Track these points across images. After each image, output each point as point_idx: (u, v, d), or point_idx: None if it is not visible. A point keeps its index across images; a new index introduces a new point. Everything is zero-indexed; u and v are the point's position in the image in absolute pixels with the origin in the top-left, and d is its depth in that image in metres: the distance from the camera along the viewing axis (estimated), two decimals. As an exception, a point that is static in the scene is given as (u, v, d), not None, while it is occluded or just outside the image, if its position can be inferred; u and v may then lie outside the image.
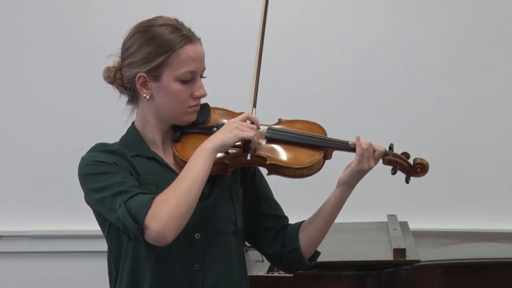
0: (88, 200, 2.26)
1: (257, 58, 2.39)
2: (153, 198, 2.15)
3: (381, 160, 2.34)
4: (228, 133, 2.22)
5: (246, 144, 2.25)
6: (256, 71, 2.38)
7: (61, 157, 4.54)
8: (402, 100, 4.52)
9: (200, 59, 2.29)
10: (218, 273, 2.29)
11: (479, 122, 4.51)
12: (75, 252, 4.60)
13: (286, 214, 2.46)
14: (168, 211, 2.12)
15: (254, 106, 2.35)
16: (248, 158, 2.24)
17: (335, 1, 4.53)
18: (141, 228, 2.12)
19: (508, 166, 4.52)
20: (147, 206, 2.13)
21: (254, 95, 2.36)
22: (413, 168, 2.35)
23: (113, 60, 2.34)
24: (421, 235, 3.95)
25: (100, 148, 2.29)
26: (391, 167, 2.36)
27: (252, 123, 2.28)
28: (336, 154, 2.35)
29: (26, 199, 4.62)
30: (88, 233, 4.48)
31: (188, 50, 2.26)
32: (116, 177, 2.20)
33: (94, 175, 2.22)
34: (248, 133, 2.23)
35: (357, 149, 2.29)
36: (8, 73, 4.61)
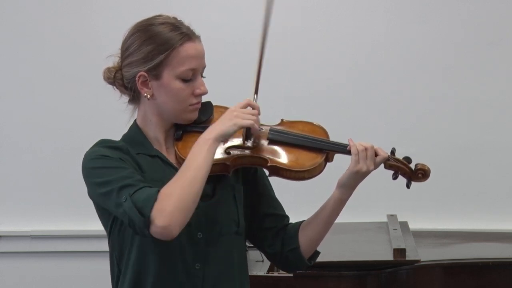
0: (92, 195, 2.25)
1: (261, 45, 2.33)
2: (159, 191, 2.14)
3: (382, 164, 2.33)
4: (228, 121, 2.21)
5: (248, 131, 2.24)
6: (259, 57, 2.32)
7: (61, 157, 4.53)
8: (402, 100, 4.52)
9: (200, 56, 2.28)
10: (218, 272, 2.28)
11: (479, 122, 4.51)
12: (75, 252, 4.60)
13: (287, 213, 2.46)
14: (173, 204, 2.11)
15: (256, 92, 2.31)
16: (249, 144, 2.24)
17: (335, 1, 4.53)
18: (147, 221, 2.11)
19: (508, 166, 4.51)
20: (153, 198, 2.12)
21: (257, 81, 2.32)
22: (415, 173, 2.35)
23: (113, 60, 2.34)
24: (421, 235, 3.94)
25: (105, 144, 2.28)
26: (392, 172, 2.36)
27: (254, 109, 2.26)
28: (338, 155, 2.35)
29: (26, 199, 4.62)
30: (88, 233, 4.47)
31: (188, 48, 2.25)
32: (122, 171, 2.19)
33: (100, 169, 2.21)
34: (248, 120, 2.21)
35: (352, 150, 2.29)
36: (8, 73, 4.61)
